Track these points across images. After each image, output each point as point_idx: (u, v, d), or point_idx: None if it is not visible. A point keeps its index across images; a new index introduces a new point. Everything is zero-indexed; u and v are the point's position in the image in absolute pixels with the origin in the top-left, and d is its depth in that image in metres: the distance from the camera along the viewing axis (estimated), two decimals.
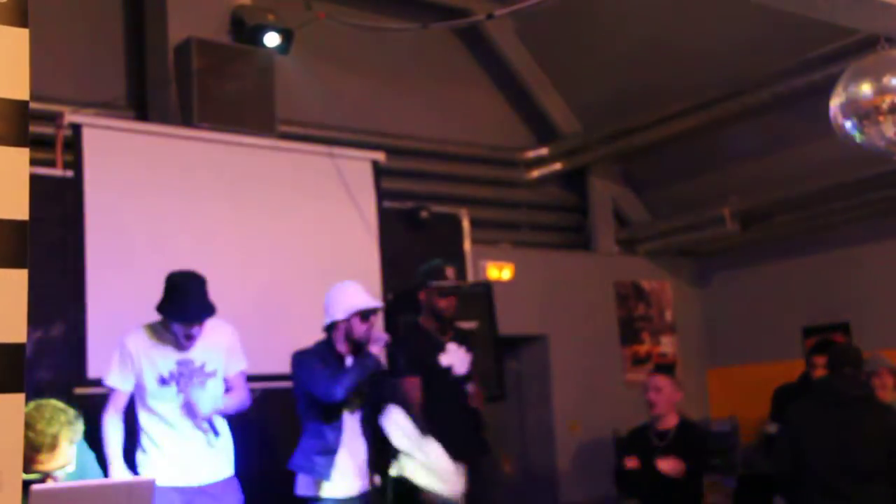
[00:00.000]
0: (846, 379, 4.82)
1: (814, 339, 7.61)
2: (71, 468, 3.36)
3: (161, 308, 4.41)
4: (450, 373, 5.36)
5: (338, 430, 4.77)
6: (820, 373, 5.50)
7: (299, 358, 4.80)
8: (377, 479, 4.81)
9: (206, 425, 4.43)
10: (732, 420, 8.03)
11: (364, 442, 4.84)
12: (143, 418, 4.41)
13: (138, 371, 4.37)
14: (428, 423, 5.19)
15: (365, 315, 4.77)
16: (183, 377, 4.40)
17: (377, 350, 4.71)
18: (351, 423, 4.82)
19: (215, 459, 4.48)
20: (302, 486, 4.81)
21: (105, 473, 3.63)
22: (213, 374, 4.46)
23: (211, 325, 4.49)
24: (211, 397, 4.44)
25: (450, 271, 5.41)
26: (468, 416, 5.37)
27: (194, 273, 4.44)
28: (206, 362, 4.46)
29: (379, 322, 6.14)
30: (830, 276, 7.87)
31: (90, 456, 3.64)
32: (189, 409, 4.39)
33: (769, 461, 4.95)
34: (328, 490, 4.73)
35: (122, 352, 4.39)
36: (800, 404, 4.89)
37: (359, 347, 4.80)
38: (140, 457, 4.42)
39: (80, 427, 3.38)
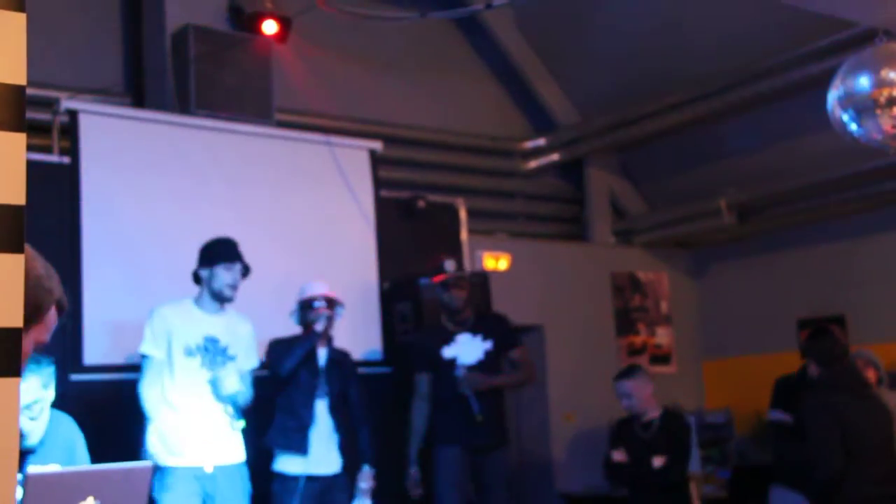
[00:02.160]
0: (850, 370, 4.80)
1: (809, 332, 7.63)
2: (39, 409, 3.39)
3: (204, 260, 4.66)
4: (453, 364, 5.42)
5: (310, 408, 4.95)
6: None
7: (272, 342, 5.11)
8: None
9: (229, 408, 4.51)
10: (727, 411, 8.05)
11: (334, 425, 4.98)
12: (161, 399, 4.47)
13: (168, 341, 4.48)
14: (436, 414, 5.52)
15: (306, 304, 5.09)
16: (208, 352, 4.50)
17: (320, 327, 4.99)
18: (321, 407, 5.01)
19: (229, 442, 4.54)
20: (279, 462, 4.97)
21: (91, 458, 3.62)
22: (234, 358, 4.56)
23: (236, 314, 4.75)
24: (234, 379, 4.55)
25: (449, 264, 5.51)
26: (479, 406, 5.45)
27: (227, 238, 4.80)
28: (229, 344, 4.60)
29: (375, 305, 6.15)
30: (826, 269, 7.88)
31: (80, 439, 3.64)
32: (214, 387, 4.51)
33: (822, 465, 4.49)
34: (303, 466, 4.88)
35: (152, 321, 4.56)
36: (829, 398, 4.60)
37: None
38: (153, 438, 4.46)
39: (50, 371, 3.43)
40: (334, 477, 5.00)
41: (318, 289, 5.14)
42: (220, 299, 4.65)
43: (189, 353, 4.52)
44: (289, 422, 4.94)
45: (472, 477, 5.50)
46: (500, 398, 5.67)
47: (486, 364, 5.52)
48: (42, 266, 1.69)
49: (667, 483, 5.40)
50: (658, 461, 5.39)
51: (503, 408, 5.73)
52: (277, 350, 5.04)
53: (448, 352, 5.50)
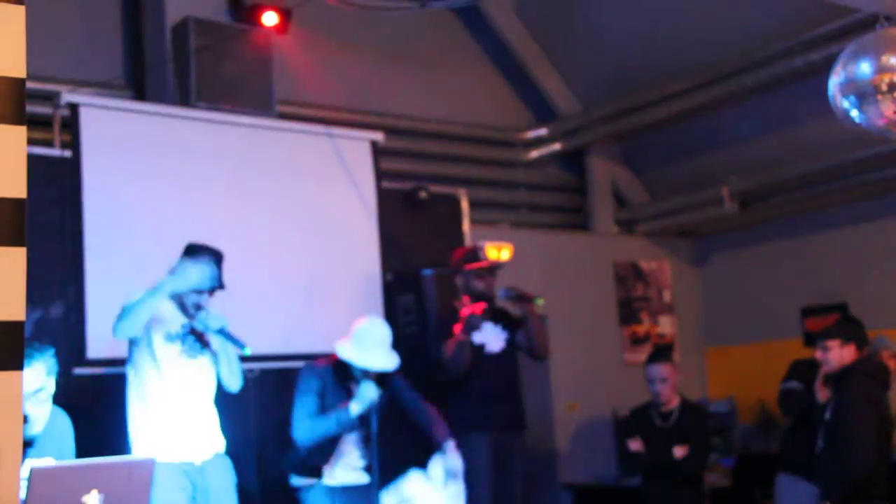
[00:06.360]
0: (874, 358, 4.73)
1: (814, 318, 7.62)
2: (45, 396, 3.39)
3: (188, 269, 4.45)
4: (482, 350, 5.44)
5: (335, 444, 4.77)
6: None
7: (302, 376, 4.83)
8: None
9: (223, 340, 4.48)
10: (731, 400, 8.05)
11: (361, 452, 4.86)
12: (140, 395, 4.43)
13: (147, 328, 4.40)
14: (460, 397, 5.43)
15: (358, 371, 4.74)
16: (188, 338, 4.45)
17: (356, 409, 4.61)
18: (351, 438, 4.82)
19: (210, 433, 4.50)
20: (298, 477, 4.83)
21: (94, 452, 3.62)
22: (211, 342, 4.52)
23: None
24: (215, 316, 4.48)
25: (483, 253, 5.54)
26: (503, 392, 5.51)
27: (214, 247, 4.56)
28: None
29: (378, 297, 6.15)
30: (829, 257, 7.87)
31: (71, 433, 3.65)
32: (203, 326, 4.45)
33: (861, 463, 4.36)
34: (326, 478, 4.75)
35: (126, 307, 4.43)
36: (869, 388, 4.48)
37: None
38: (136, 435, 4.42)
39: (53, 360, 3.43)
40: (363, 488, 4.82)
41: (386, 362, 4.75)
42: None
43: (169, 338, 4.43)
44: (312, 459, 4.76)
45: (494, 461, 5.47)
46: (519, 381, 5.71)
47: (507, 352, 5.62)
48: None
49: (688, 474, 5.36)
50: (679, 451, 5.34)
51: (521, 390, 5.75)
52: (304, 398, 4.72)
53: (477, 338, 5.52)
